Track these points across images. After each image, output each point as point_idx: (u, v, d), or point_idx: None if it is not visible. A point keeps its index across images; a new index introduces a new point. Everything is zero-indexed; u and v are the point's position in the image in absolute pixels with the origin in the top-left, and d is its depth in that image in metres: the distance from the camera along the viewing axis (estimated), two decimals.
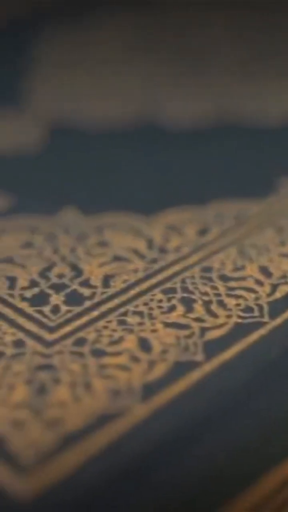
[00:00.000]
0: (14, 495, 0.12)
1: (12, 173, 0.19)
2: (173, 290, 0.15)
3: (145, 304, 0.15)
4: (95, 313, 0.15)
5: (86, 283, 0.16)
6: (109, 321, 0.15)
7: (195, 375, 0.14)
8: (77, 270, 0.16)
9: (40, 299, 0.15)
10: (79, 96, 0.22)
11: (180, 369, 0.14)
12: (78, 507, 0.12)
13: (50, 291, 0.15)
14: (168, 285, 0.16)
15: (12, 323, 0.15)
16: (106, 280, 0.16)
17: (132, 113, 0.21)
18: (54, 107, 0.22)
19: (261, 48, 0.24)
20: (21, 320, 0.15)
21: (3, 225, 0.17)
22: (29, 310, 0.15)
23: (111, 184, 0.19)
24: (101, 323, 0.15)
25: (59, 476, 0.12)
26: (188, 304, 0.15)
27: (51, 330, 0.15)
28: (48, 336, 0.15)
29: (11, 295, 0.15)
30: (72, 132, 0.21)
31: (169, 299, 0.15)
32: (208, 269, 0.16)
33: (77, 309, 0.15)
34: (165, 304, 0.15)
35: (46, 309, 0.15)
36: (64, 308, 0.15)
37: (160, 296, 0.15)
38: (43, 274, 0.16)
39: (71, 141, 0.20)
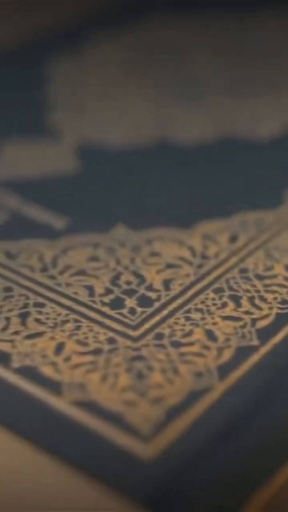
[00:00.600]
0: (138, 458, 0.16)
1: (60, 196, 0.23)
2: (221, 290, 0.19)
3: (202, 302, 0.19)
4: (164, 312, 0.19)
5: (150, 288, 0.19)
6: (178, 318, 0.19)
7: (255, 357, 0.18)
8: (140, 278, 0.20)
9: (117, 303, 0.19)
10: (96, 119, 0.26)
11: (242, 352, 0.18)
12: (187, 462, 0.16)
13: (123, 296, 0.19)
14: (216, 285, 0.19)
15: (101, 324, 0.18)
16: (166, 284, 0.19)
17: (146, 133, 0.25)
18: (78, 131, 0.25)
19: (253, 69, 0.28)
20: (107, 322, 0.18)
21: (68, 243, 0.21)
22: (111, 313, 0.19)
23: (148, 200, 0.22)
24: (172, 320, 0.19)
25: (170, 441, 0.16)
26: (236, 300, 0.19)
27: (134, 328, 0.18)
28: (133, 333, 0.18)
29: (94, 301, 0.19)
30: (100, 154, 0.24)
31: (220, 297, 0.19)
32: (244, 270, 0.20)
33: (149, 310, 0.19)
34: (218, 302, 0.19)
35: (125, 311, 0.19)
36: (138, 309, 0.19)
37: (212, 295, 0.19)
38: (114, 282, 0.20)
39: (101, 163, 0.24)
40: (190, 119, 0.26)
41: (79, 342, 0.18)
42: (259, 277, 0.20)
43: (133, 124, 0.26)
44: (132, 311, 0.19)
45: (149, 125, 0.25)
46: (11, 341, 0.18)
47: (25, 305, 0.19)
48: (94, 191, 0.23)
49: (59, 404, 0.17)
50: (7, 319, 0.19)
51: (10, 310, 0.19)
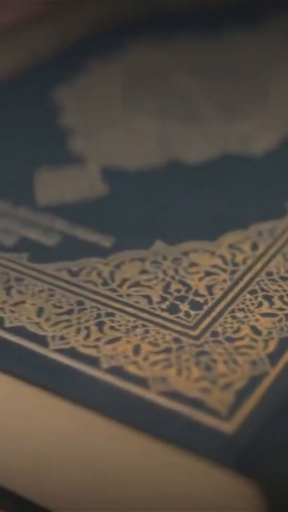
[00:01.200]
0: (223, 432, 0.20)
1: (99, 217, 0.26)
2: (255, 291, 0.24)
3: (242, 303, 0.23)
4: (213, 314, 0.23)
5: (197, 294, 0.24)
6: (226, 318, 0.23)
7: None
8: (187, 286, 0.24)
9: (173, 309, 0.23)
10: (111, 144, 0.30)
11: (284, 342, 0.22)
12: (260, 432, 0.20)
13: (177, 302, 0.23)
14: (250, 288, 0.24)
15: (165, 327, 0.22)
16: (209, 290, 0.24)
17: (157, 155, 0.29)
18: (97, 156, 0.29)
19: (239, 86, 0.32)
20: (169, 325, 0.23)
21: (119, 259, 0.25)
22: (171, 317, 0.23)
23: (174, 217, 0.26)
24: (221, 320, 0.23)
25: (244, 417, 0.20)
26: (269, 299, 0.23)
27: (193, 328, 0.22)
28: (193, 333, 0.22)
29: (154, 308, 0.23)
30: (122, 176, 0.28)
31: (255, 298, 0.23)
32: (270, 273, 0.24)
33: (201, 312, 0.23)
34: (255, 302, 0.23)
35: (181, 315, 0.23)
36: (192, 312, 0.23)
37: (248, 296, 0.23)
38: (166, 291, 0.24)
39: (125, 184, 0.28)
40: (192, 140, 0.30)
41: (151, 343, 0.22)
42: (283, 278, 0.24)
43: (144, 146, 0.29)
44: (187, 314, 0.23)
45: (157, 147, 0.29)
46: (96, 346, 0.22)
47: (98, 316, 0.23)
48: (126, 210, 0.27)
49: (150, 395, 0.21)
50: (87, 328, 0.22)
51: (87, 321, 0.23)
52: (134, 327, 0.22)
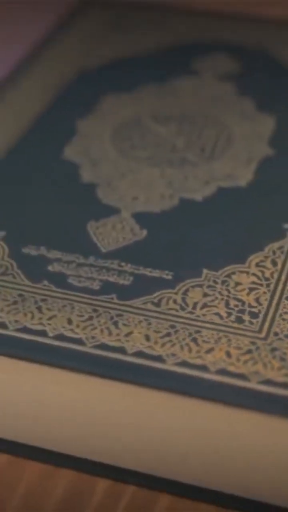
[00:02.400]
0: None
1: (151, 256, 0.35)
2: None
3: (284, 307, 0.32)
4: (268, 318, 0.32)
5: (250, 306, 0.32)
6: (278, 321, 0.32)
7: None
8: (240, 301, 0.33)
9: (239, 320, 0.32)
10: (130, 193, 0.38)
11: None
12: None
13: (239, 314, 0.32)
14: (286, 295, 0.33)
15: (240, 334, 0.31)
16: (257, 301, 0.33)
17: (168, 196, 0.38)
18: (125, 206, 0.37)
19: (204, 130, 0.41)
20: (242, 332, 0.31)
21: (183, 288, 0.33)
22: (240, 326, 0.32)
23: (205, 247, 0.35)
24: (275, 322, 0.32)
25: None
26: None
27: (259, 332, 0.31)
28: (261, 336, 0.31)
29: (226, 322, 0.32)
30: (149, 219, 0.36)
31: None
32: None
33: (259, 320, 0.32)
34: None
35: (247, 323, 0.32)
36: (253, 320, 0.32)
37: (286, 302, 0.33)
38: (228, 307, 0.32)
39: (155, 226, 0.36)
40: (191, 180, 0.38)
41: (236, 348, 0.31)
42: None
43: (157, 192, 0.38)
44: (250, 322, 0.32)
45: (167, 190, 0.38)
46: (200, 357, 0.31)
47: (190, 334, 0.31)
48: (168, 247, 0.35)
49: (251, 385, 0.29)
50: (187, 344, 0.31)
51: (184, 339, 0.31)
52: (219, 338, 0.31)
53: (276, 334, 0.31)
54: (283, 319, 0.32)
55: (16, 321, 0.32)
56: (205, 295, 0.33)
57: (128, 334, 0.31)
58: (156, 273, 0.34)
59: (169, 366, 0.30)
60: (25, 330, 0.31)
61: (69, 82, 0.45)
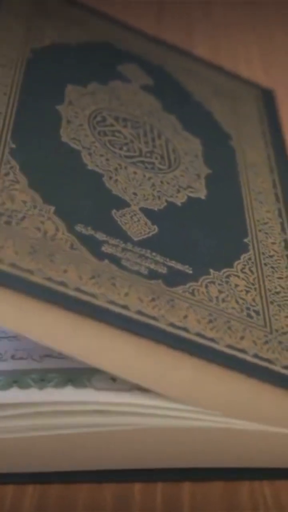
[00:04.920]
0: None
1: (170, 249, 0.43)
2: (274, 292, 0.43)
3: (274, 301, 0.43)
4: (268, 315, 0.42)
5: (252, 305, 0.43)
6: (275, 318, 0.42)
7: None
8: (244, 299, 0.43)
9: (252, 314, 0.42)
10: (128, 187, 0.45)
11: None
12: None
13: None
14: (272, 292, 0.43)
15: (256, 325, 0.41)
16: (254, 300, 0.43)
17: (161, 199, 0.46)
18: (129, 197, 0.45)
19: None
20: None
21: (203, 282, 0.42)
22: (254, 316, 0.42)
23: (202, 248, 0.44)
24: (273, 319, 0.42)
25: None
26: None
27: (264, 325, 0.42)
28: (266, 329, 0.42)
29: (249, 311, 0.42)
30: (155, 216, 0.44)
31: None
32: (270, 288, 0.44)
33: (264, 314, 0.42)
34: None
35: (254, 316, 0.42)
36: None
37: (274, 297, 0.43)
38: (240, 301, 0.42)
39: (160, 222, 0.44)
40: (165, 186, 0.47)
41: (257, 338, 0.41)
42: (281, 286, 0.44)
43: (146, 190, 0.46)
44: (257, 319, 0.42)
45: (153, 191, 0.46)
46: (238, 342, 0.40)
47: (224, 323, 0.41)
48: (175, 245, 0.43)
49: None
50: (226, 331, 0.40)
51: (221, 327, 0.40)
52: (244, 329, 0.41)
53: (276, 330, 0.42)
54: (276, 319, 0.43)
55: (102, 294, 0.38)
56: (220, 292, 0.42)
57: (185, 317, 0.40)
58: (179, 266, 0.42)
59: (221, 347, 0.39)
60: (112, 303, 0.38)
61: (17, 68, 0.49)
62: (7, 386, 0.39)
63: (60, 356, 0.40)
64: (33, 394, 0.39)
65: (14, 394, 0.39)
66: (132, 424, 0.39)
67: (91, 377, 0.40)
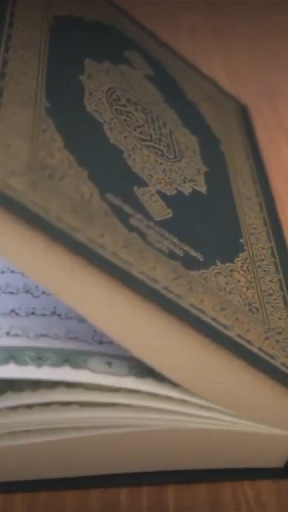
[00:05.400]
0: None
1: (183, 234, 0.44)
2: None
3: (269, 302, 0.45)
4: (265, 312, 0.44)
5: (252, 302, 0.44)
6: (269, 318, 0.44)
7: None
8: (245, 295, 0.44)
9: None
10: (144, 168, 0.46)
11: None
12: None
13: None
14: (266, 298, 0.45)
15: (257, 321, 0.43)
16: (254, 297, 0.44)
17: (169, 182, 0.46)
18: (146, 177, 0.45)
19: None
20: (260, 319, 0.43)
21: (214, 271, 0.43)
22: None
23: (208, 237, 0.45)
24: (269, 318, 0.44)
25: None
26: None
27: (264, 322, 0.43)
28: (265, 327, 0.43)
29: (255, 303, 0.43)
30: (168, 199, 0.45)
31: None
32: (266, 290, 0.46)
33: (262, 312, 0.44)
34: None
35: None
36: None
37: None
38: (242, 297, 0.43)
39: (175, 206, 0.45)
40: (173, 174, 0.48)
41: (260, 333, 0.42)
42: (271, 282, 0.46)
43: (159, 174, 0.46)
44: (258, 315, 0.44)
45: (164, 176, 0.47)
46: (245, 333, 0.41)
47: (232, 313, 0.42)
48: (187, 231, 0.44)
49: None
50: (234, 321, 0.41)
51: (231, 316, 0.42)
52: (249, 322, 0.42)
53: (273, 329, 0.44)
54: (271, 319, 0.44)
55: (135, 264, 0.39)
56: (227, 283, 0.44)
57: (202, 301, 0.41)
58: (193, 253, 0.43)
59: (234, 335, 0.41)
60: (143, 274, 0.39)
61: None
62: (4, 361, 0.38)
63: (56, 336, 0.40)
64: (32, 371, 0.38)
65: (12, 370, 0.38)
66: (122, 418, 0.40)
67: (88, 359, 0.39)
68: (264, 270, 0.46)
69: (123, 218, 0.40)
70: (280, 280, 0.46)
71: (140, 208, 0.42)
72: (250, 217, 0.50)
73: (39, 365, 0.38)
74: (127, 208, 0.41)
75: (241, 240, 0.47)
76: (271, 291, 0.45)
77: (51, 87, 0.44)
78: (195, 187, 0.48)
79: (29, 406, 0.39)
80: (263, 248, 0.48)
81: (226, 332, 0.40)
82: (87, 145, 0.43)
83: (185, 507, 0.41)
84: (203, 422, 0.40)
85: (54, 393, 0.39)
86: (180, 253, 0.42)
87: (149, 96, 0.52)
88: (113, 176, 0.43)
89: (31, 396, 0.39)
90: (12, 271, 0.43)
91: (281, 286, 0.46)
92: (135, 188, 0.43)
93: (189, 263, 0.42)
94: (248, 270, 0.45)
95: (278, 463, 0.43)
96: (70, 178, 0.39)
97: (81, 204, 0.38)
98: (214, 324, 0.40)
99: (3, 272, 0.44)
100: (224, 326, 0.40)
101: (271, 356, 0.41)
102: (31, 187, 0.36)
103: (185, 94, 0.56)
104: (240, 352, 0.40)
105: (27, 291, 0.42)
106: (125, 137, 0.46)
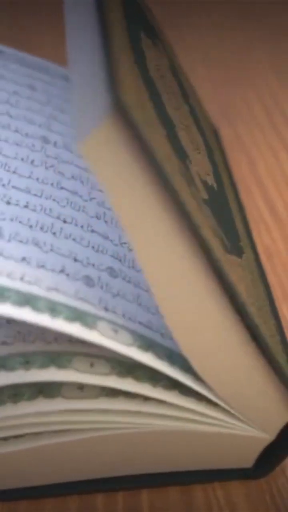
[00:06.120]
0: None
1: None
2: None
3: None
4: None
5: None
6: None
7: None
8: None
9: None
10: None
11: None
12: None
13: None
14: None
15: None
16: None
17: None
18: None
19: None
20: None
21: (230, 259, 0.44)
22: None
23: (229, 227, 0.46)
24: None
25: None
26: None
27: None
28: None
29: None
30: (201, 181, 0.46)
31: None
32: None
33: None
34: None
35: None
36: None
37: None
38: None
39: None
40: (202, 163, 0.49)
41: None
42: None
43: (198, 156, 0.47)
44: None
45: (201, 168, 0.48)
46: None
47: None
48: (218, 220, 0.46)
49: None
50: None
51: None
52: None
53: (272, 336, 0.45)
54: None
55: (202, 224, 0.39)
56: (241, 277, 0.45)
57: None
58: (225, 239, 0.44)
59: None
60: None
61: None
62: (22, 303, 0.37)
63: (66, 294, 0.38)
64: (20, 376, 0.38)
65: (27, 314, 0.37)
66: (96, 422, 0.39)
67: (72, 359, 0.39)
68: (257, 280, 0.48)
69: (190, 183, 0.41)
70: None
71: (192, 180, 0.43)
72: (242, 230, 0.52)
73: (27, 368, 0.38)
74: (188, 177, 0.42)
75: (241, 243, 0.49)
76: (265, 303, 0.47)
77: (134, 47, 0.45)
78: (212, 182, 0.49)
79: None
80: (253, 261, 0.50)
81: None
82: (159, 107, 0.43)
83: (160, 509, 0.41)
84: (177, 424, 0.40)
85: (33, 405, 0.38)
86: (221, 236, 0.43)
87: (174, 87, 0.53)
88: (175, 142, 0.43)
89: (11, 408, 0.38)
90: (20, 222, 0.41)
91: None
92: (187, 161, 0.44)
93: (227, 248, 0.43)
94: (250, 272, 0.47)
95: (247, 463, 0.44)
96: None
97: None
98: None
99: (11, 220, 0.41)
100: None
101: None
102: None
103: (189, 97, 0.58)
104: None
105: (36, 244, 0.41)
106: (174, 113, 0.47)
